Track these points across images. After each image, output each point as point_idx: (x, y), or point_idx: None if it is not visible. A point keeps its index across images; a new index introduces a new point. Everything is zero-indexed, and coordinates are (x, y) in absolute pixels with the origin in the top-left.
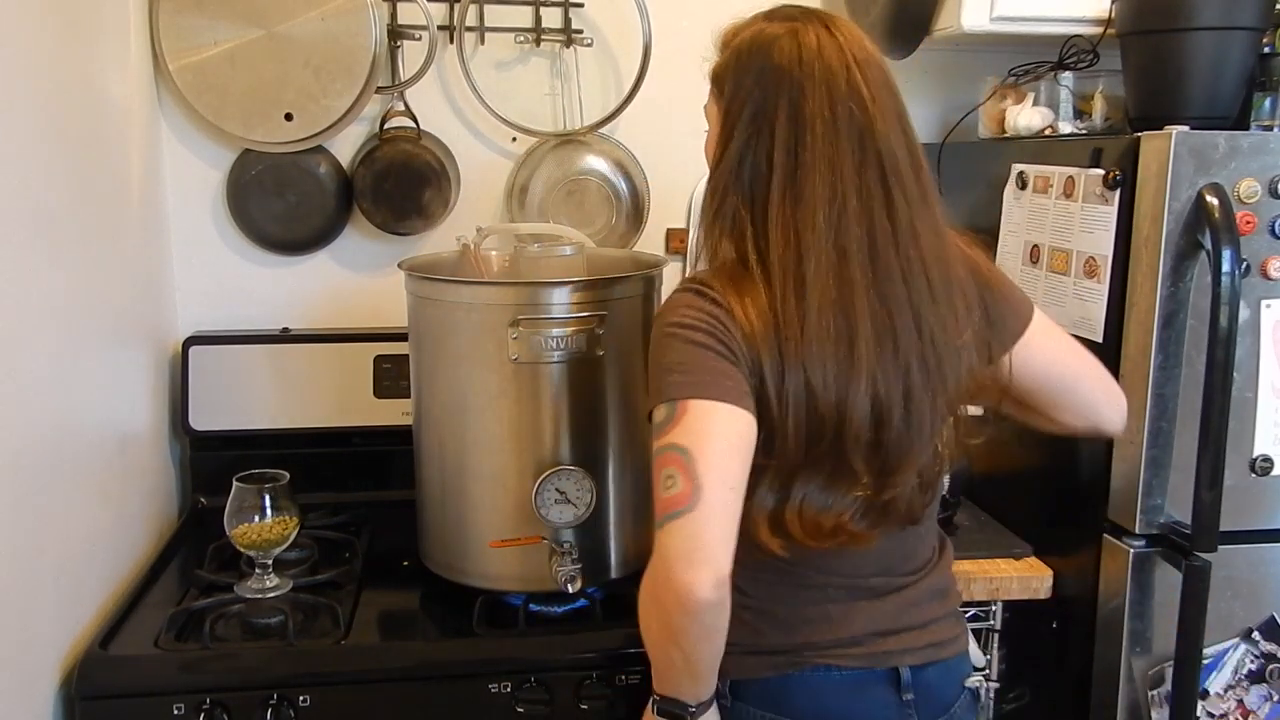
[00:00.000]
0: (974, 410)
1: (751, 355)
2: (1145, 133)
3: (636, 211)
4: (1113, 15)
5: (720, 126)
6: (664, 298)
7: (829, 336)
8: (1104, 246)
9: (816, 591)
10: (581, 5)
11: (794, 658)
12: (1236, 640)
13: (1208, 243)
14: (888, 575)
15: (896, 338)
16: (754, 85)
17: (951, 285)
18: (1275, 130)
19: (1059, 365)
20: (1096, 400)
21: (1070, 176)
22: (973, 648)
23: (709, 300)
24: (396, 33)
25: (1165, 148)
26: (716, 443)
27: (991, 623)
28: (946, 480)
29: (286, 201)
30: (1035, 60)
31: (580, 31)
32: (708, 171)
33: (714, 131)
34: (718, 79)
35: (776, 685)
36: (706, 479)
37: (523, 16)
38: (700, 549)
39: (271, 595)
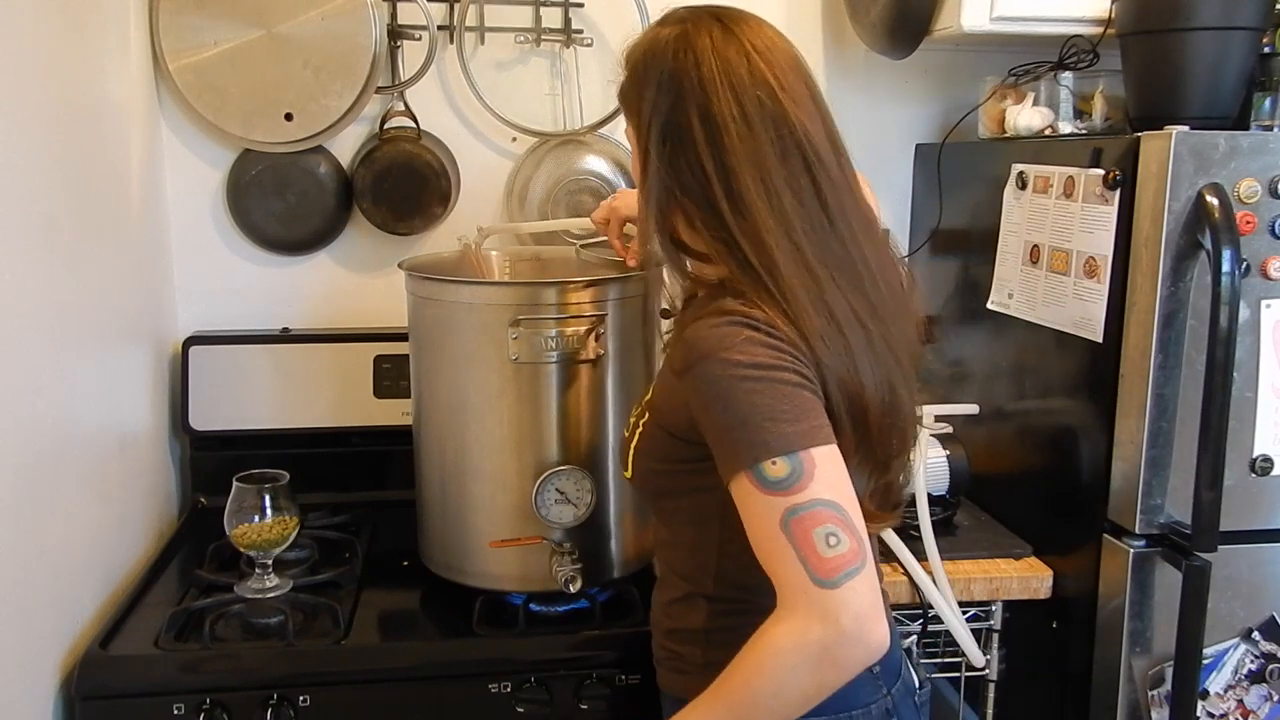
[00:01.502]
0: (968, 409)
1: (813, 370)
2: (1145, 133)
3: None
4: (1113, 15)
5: (638, 144)
6: (663, 299)
7: (832, 333)
8: (1104, 246)
9: None
10: (581, 5)
11: None
12: (1236, 640)
13: (1208, 243)
14: None
15: (866, 327)
16: (657, 95)
17: (887, 268)
18: (1275, 130)
19: None
20: None
21: (1070, 176)
22: (972, 648)
23: (763, 332)
24: (396, 33)
25: (1165, 148)
26: (847, 488)
27: (991, 623)
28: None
29: (286, 201)
30: (1035, 60)
31: (580, 31)
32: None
33: (635, 151)
34: (625, 98)
35: None
36: (861, 530)
37: (523, 16)
38: (879, 598)
39: (271, 595)
